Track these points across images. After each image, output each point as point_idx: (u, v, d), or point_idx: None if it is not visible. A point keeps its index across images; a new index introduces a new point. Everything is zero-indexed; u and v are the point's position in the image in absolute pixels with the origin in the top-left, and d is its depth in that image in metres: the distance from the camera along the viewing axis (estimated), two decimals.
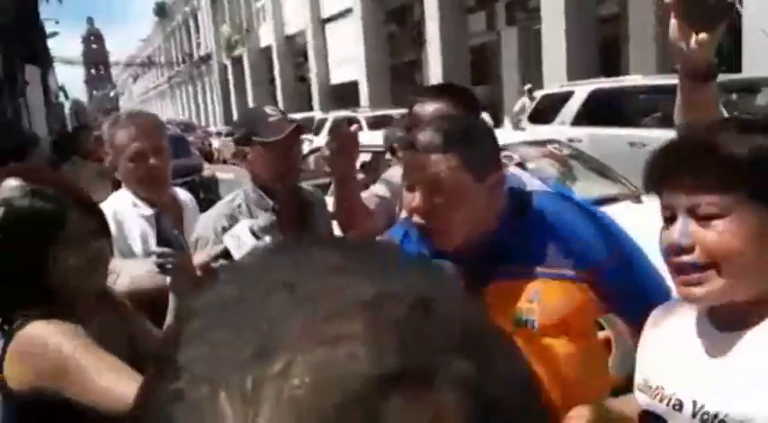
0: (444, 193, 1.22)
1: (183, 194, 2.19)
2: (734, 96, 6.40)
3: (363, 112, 12.13)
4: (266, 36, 26.49)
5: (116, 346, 1.25)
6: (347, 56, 19.57)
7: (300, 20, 22.21)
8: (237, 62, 29.54)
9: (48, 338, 1.21)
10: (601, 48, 11.76)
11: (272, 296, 0.29)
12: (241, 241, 1.44)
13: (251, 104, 28.63)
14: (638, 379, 1.06)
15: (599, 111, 7.13)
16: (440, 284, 0.31)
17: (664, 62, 12.30)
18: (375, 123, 11.24)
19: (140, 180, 1.94)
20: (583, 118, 7.22)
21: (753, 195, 0.87)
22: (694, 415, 0.93)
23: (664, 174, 0.94)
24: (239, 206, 1.97)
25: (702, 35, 1.15)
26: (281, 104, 24.79)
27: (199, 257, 1.55)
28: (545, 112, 7.81)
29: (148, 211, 1.95)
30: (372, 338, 0.27)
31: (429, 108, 1.85)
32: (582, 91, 7.34)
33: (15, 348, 1.21)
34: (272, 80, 26.19)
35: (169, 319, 1.50)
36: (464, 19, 15.26)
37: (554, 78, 10.70)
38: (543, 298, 1.20)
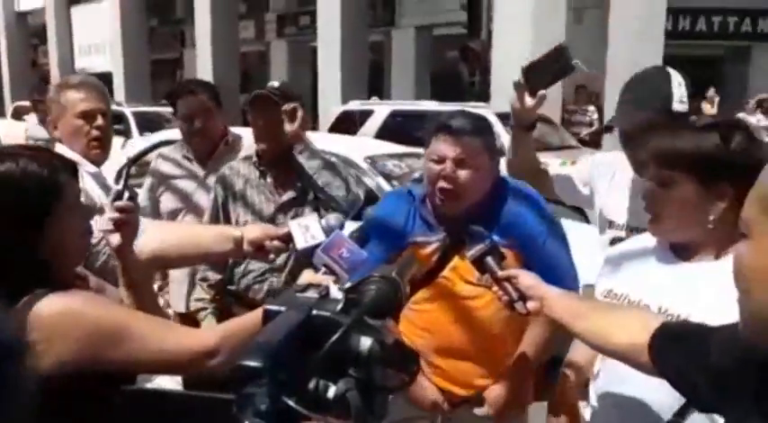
0: (469, 166, 1.64)
1: None
2: None
3: (130, 108, 11.13)
4: None
5: None
6: (98, 44, 17.92)
7: None
8: None
9: (83, 309, 1.14)
10: (369, 70, 12.74)
11: None
12: (310, 233, 1.42)
13: None
14: (601, 289, 1.45)
15: (397, 129, 7.77)
16: None
17: (419, 88, 13.81)
18: (144, 122, 10.07)
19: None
20: (383, 135, 7.76)
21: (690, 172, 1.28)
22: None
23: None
24: None
25: (540, 92, 1.73)
26: (7, 92, 21.49)
27: (253, 232, 1.48)
28: (345, 126, 8.34)
29: (93, 169, 1.96)
30: None
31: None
32: (382, 110, 7.95)
33: (45, 325, 1.10)
34: None
35: (121, 286, 1.33)
36: (235, 23, 15.15)
37: (329, 95, 11.38)
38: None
